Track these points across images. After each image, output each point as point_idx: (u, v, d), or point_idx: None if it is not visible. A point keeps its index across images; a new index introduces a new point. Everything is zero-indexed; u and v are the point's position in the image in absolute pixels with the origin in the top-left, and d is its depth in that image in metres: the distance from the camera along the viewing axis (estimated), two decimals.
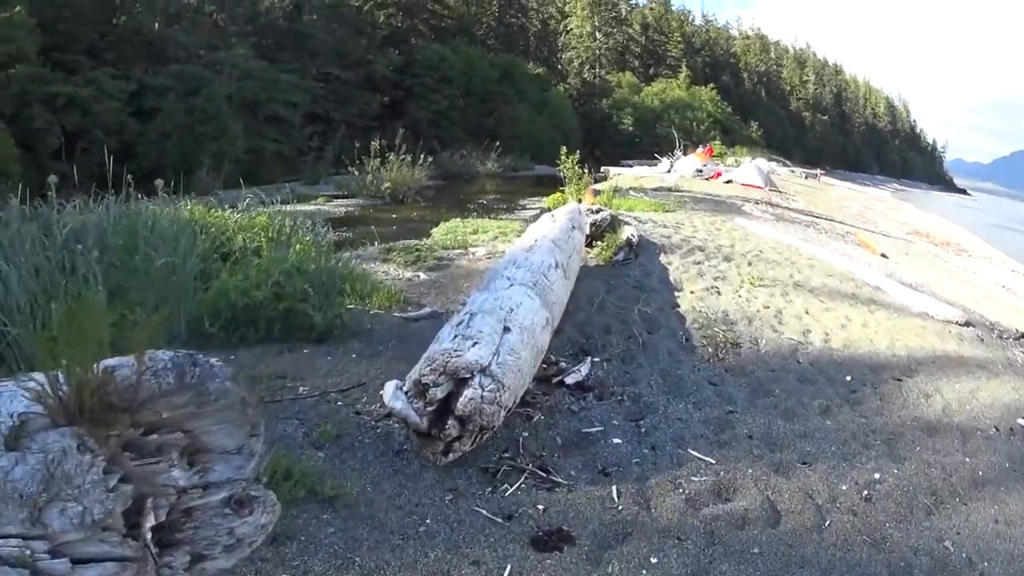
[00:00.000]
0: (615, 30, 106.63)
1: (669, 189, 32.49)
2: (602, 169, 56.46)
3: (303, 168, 47.45)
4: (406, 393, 5.61)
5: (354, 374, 7.67)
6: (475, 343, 5.86)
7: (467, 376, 5.61)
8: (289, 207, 32.15)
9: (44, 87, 37.28)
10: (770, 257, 15.76)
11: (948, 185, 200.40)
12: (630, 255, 14.16)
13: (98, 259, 8.59)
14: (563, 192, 22.07)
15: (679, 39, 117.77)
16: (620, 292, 11.77)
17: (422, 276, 13.00)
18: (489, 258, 14.28)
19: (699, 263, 14.47)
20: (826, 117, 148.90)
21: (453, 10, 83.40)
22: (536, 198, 39.65)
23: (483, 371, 5.66)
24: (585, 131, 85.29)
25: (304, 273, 9.32)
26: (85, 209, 11.92)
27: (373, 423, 6.50)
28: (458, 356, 5.64)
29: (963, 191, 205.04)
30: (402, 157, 36.38)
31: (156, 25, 47.40)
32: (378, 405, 6.68)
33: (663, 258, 14.60)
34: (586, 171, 21.63)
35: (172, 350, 4.05)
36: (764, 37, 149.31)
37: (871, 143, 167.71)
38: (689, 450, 6.63)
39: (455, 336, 6.08)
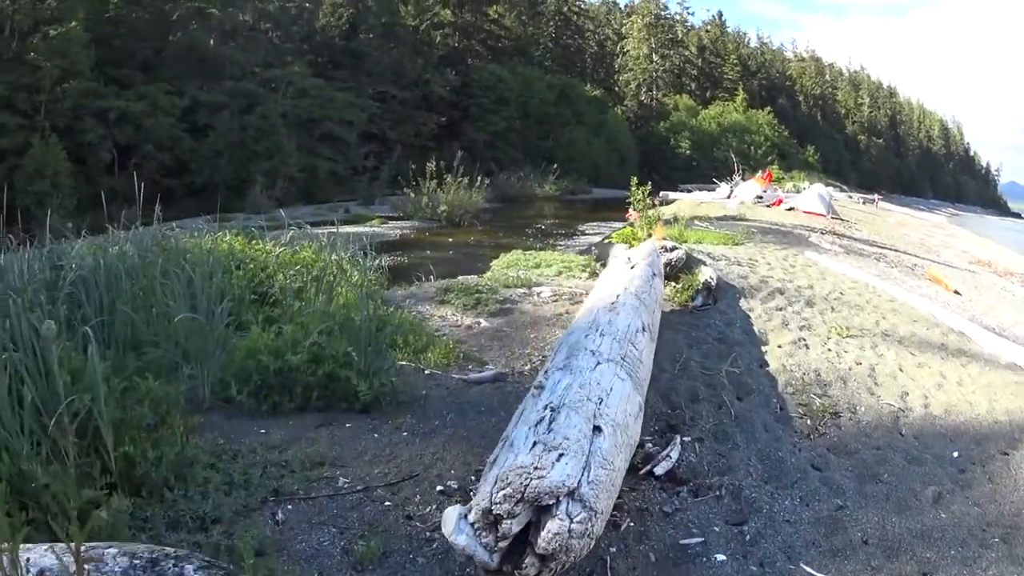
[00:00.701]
0: (671, 52, 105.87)
1: (733, 218, 31.14)
2: (660, 194, 55.41)
3: (358, 187, 46.70)
4: (472, 524, 4.19)
5: (405, 460, 6.28)
6: (560, 455, 4.35)
7: (551, 503, 4.21)
8: (342, 229, 31.90)
9: (97, 101, 37.07)
10: (851, 300, 14.29)
11: (1003, 209, 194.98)
12: (708, 300, 12.71)
13: (111, 308, 7.71)
14: (632, 226, 20.53)
15: (735, 61, 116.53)
16: (703, 347, 10.18)
17: (483, 323, 11.30)
18: (555, 300, 12.81)
19: (781, 309, 12.82)
20: (881, 140, 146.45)
21: (510, 31, 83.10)
22: (595, 223, 38.61)
23: (571, 495, 4.19)
24: (642, 154, 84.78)
25: (348, 330, 7.89)
26: (110, 240, 10.43)
27: (428, 533, 5.13)
28: (540, 477, 4.10)
29: (1018, 215, 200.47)
30: (459, 179, 35.28)
31: (211, 42, 46.81)
32: (433, 508, 5.41)
33: (743, 303, 13.05)
34: (653, 200, 19.86)
35: (136, 548, 2.87)
36: (819, 59, 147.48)
37: (925, 166, 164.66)
38: (802, 564, 5.39)
39: (533, 444, 4.47)
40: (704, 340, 10.53)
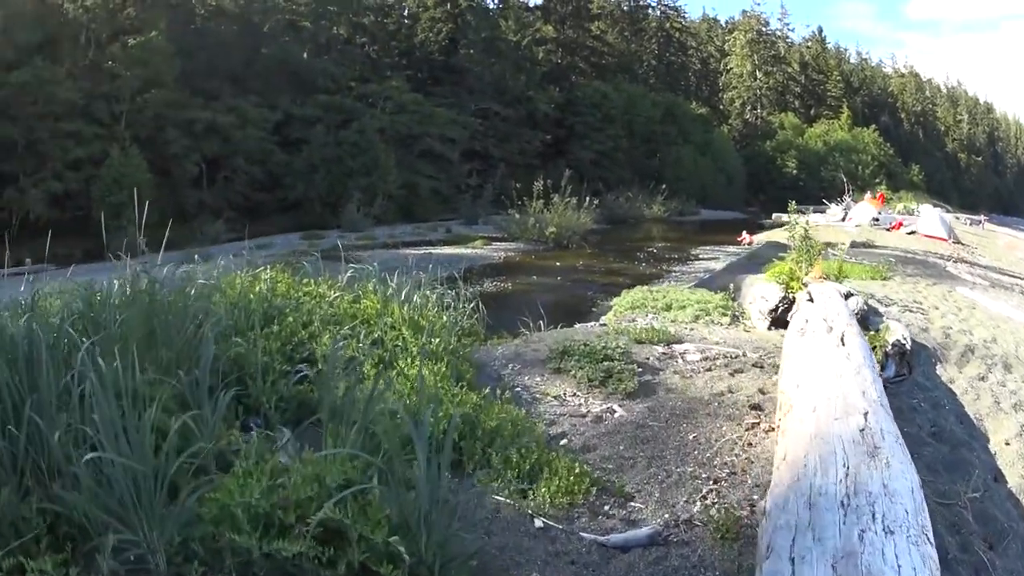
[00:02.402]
0: (775, 69, 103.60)
1: (861, 244, 29.41)
2: (773, 216, 53.46)
3: (461, 206, 45.56)
4: None
5: None
6: None
7: None
8: (443, 250, 30.18)
9: (181, 112, 36.29)
10: None
11: None
12: (903, 369, 9.94)
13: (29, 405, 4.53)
14: (785, 260, 17.96)
15: (838, 77, 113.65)
16: (923, 451, 7.56)
17: (617, 411, 7.71)
18: (708, 368, 9.31)
19: (983, 378, 10.61)
20: (980, 158, 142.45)
21: (613, 47, 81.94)
22: (707, 246, 37.13)
23: None
24: (748, 174, 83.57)
25: (403, 465, 4.54)
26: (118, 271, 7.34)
27: None
28: None
29: None
30: (567, 200, 33.29)
31: (304, 55, 45.74)
32: None
33: (940, 371, 10.70)
34: (807, 235, 16.52)
35: None
36: (917, 75, 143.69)
37: (1023, 184, 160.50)
38: None
39: None
40: (918, 438, 8.09)
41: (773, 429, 7.17)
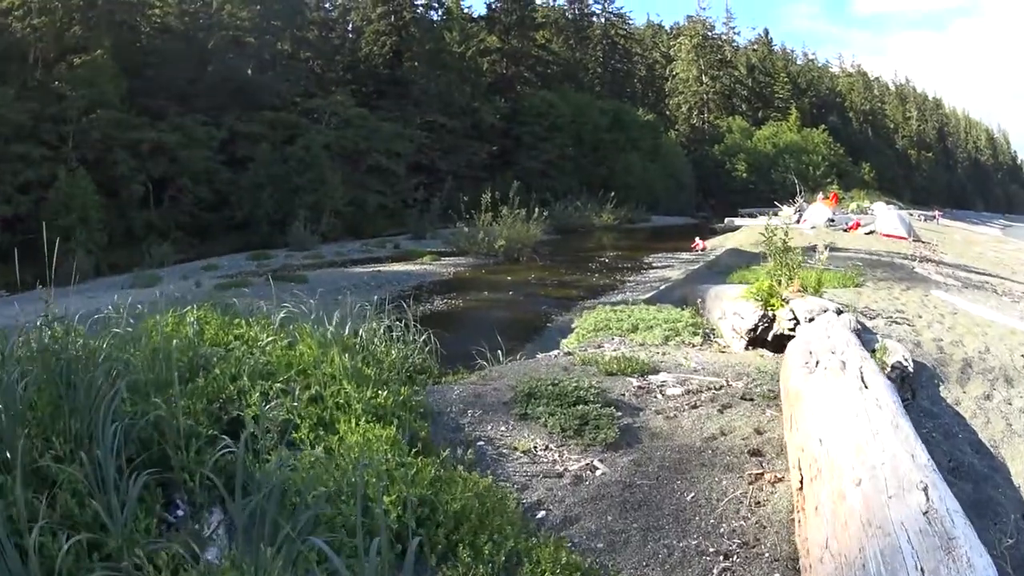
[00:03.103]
0: (721, 73, 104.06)
1: (824, 247, 29.10)
2: (725, 220, 53.55)
3: (408, 221, 44.88)
4: None
5: None
6: None
7: None
8: (391, 267, 29.86)
9: (128, 132, 35.82)
10: None
11: None
12: (906, 393, 8.95)
13: None
14: (757, 272, 17.47)
15: (785, 79, 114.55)
16: None
17: (599, 467, 6.83)
18: (693, 404, 8.36)
19: (988, 397, 10.01)
20: (931, 154, 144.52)
21: (559, 56, 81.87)
22: (661, 254, 36.92)
23: None
24: (698, 179, 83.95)
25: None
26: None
27: None
28: None
29: None
30: (516, 211, 33.10)
31: (249, 71, 45.34)
32: None
33: (944, 393, 9.97)
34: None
35: None
36: (865, 74, 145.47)
37: (975, 178, 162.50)
38: None
39: None
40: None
41: (780, 480, 6.59)
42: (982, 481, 7.45)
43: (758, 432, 7.52)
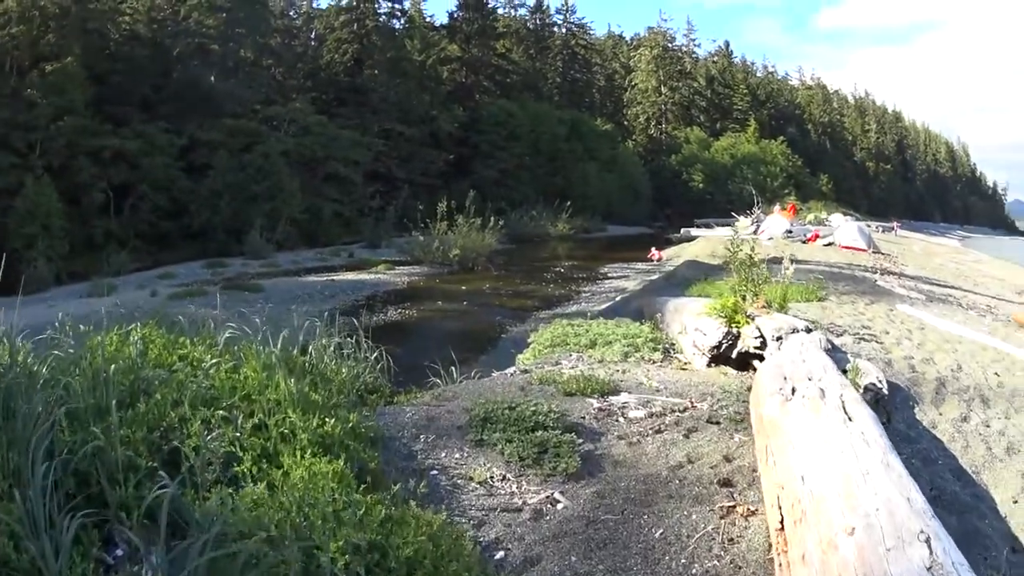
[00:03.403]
0: (680, 84, 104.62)
1: (778, 259, 29.07)
2: (682, 230, 53.81)
3: (364, 229, 44.92)
4: None
5: None
6: None
7: None
8: (345, 276, 29.96)
9: (91, 139, 35.68)
10: (1014, 384, 11.53)
11: (1010, 228, 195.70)
12: (881, 417, 7.94)
13: None
14: (718, 286, 17.42)
15: (744, 91, 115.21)
16: None
17: (560, 500, 6.40)
18: (656, 428, 8.05)
19: (965, 419, 9.80)
20: (889, 166, 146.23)
21: (519, 65, 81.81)
22: (616, 264, 37.15)
23: None
24: (655, 189, 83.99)
25: None
26: None
27: None
28: None
29: None
30: (471, 220, 33.28)
31: (212, 78, 45.28)
32: None
33: (920, 416, 9.75)
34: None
35: None
36: (824, 87, 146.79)
37: (933, 190, 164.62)
38: None
39: None
40: None
41: (753, 513, 6.21)
42: (967, 511, 7.27)
43: (727, 459, 7.25)
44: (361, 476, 5.70)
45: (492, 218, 35.52)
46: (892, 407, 9.38)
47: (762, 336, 10.29)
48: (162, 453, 5.39)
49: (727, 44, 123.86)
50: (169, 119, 41.06)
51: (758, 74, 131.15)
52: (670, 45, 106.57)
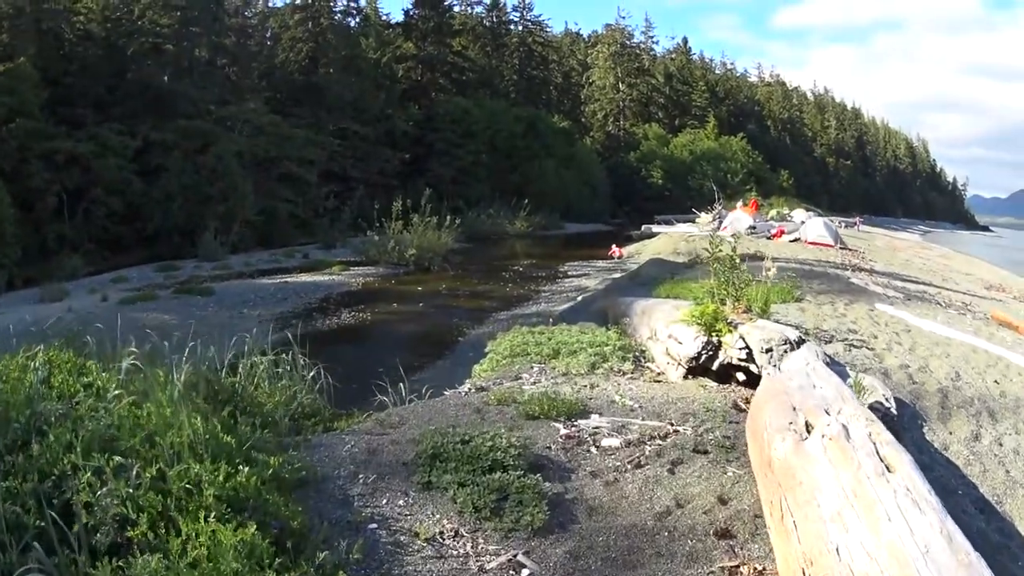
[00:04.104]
0: (638, 80, 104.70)
1: (751, 257, 28.40)
2: (643, 227, 53.66)
3: (319, 230, 44.48)
4: None
5: None
6: None
7: None
8: (299, 278, 29.54)
9: (44, 143, 34.88)
10: (1019, 395, 11.11)
11: (970, 223, 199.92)
12: None
13: None
14: (689, 285, 16.93)
15: (703, 88, 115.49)
16: None
17: (526, 566, 5.30)
18: (635, 461, 6.87)
19: (976, 437, 9.18)
20: (849, 162, 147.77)
21: (475, 63, 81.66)
22: (576, 262, 37.04)
23: None
24: (613, 186, 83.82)
25: None
26: None
27: None
28: None
29: (985, 228, 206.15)
30: (427, 219, 32.92)
31: (166, 78, 44.71)
32: None
33: (930, 436, 9.04)
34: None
35: None
36: (784, 83, 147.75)
37: (893, 185, 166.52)
38: None
39: None
40: None
41: (761, 574, 5.27)
42: (997, 552, 6.50)
43: (722, 501, 6.21)
44: (281, 539, 4.68)
45: (448, 217, 35.24)
46: (900, 427, 8.15)
47: (748, 347, 9.29)
48: (55, 507, 4.45)
49: (685, 41, 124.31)
50: (123, 120, 40.40)
51: (717, 71, 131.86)
52: (628, 42, 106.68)
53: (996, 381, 11.53)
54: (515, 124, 71.20)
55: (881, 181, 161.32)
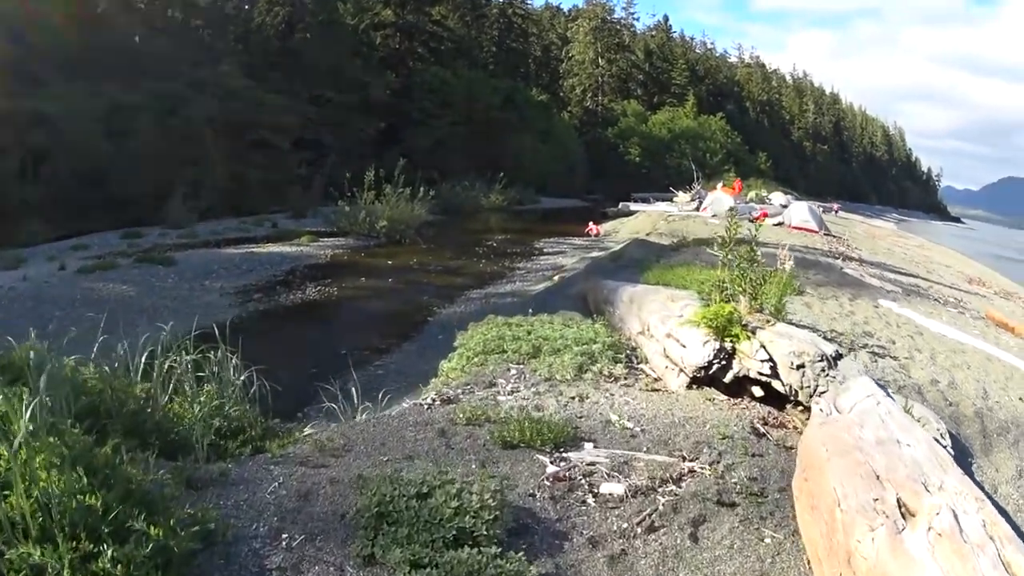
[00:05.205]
0: (618, 56, 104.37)
1: (789, 252, 27.66)
2: (620, 204, 53.29)
3: (290, 197, 43.43)
4: None
5: None
6: None
7: None
8: (266, 248, 28.84)
9: (5, 100, 33.45)
10: None
11: (942, 214, 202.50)
12: None
13: None
14: (679, 271, 16.07)
15: (683, 66, 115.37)
16: None
17: None
18: (650, 523, 5.43)
19: (1021, 474, 7.87)
20: (826, 147, 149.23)
21: (454, 32, 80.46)
22: (552, 239, 36.65)
23: None
24: (590, 162, 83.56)
25: None
26: None
27: None
28: None
29: (957, 219, 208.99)
30: (400, 190, 32.26)
31: (137, 39, 43.71)
32: None
33: (979, 475, 7.59)
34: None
35: None
36: (764, 65, 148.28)
37: (869, 173, 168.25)
38: None
39: None
40: None
41: None
42: None
43: None
44: None
45: (423, 188, 34.65)
46: None
47: (771, 360, 7.88)
48: None
49: (666, 18, 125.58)
50: (90, 80, 39.09)
51: (697, 50, 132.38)
52: (609, 17, 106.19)
53: (1021, 399, 10.56)
54: (493, 96, 70.52)
55: (857, 168, 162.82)
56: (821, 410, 6.87)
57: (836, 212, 66.45)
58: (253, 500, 5.10)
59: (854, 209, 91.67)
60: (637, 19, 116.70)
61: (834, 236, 35.40)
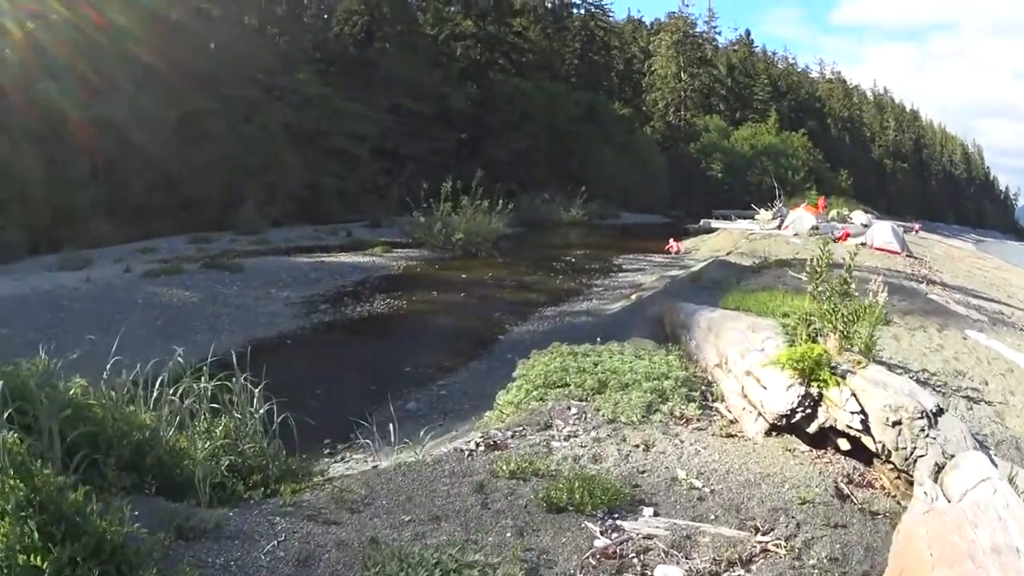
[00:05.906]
0: (700, 71, 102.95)
1: (883, 282, 26.11)
2: (701, 222, 52.06)
3: (366, 207, 42.93)
4: None
5: None
6: None
7: None
8: (339, 257, 28.07)
9: (78, 106, 33.16)
10: None
11: (1020, 234, 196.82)
12: None
13: None
14: (762, 297, 14.66)
15: (766, 81, 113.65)
16: None
17: None
18: None
19: None
20: (906, 165, 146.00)
21: (535, 44, 79.98)
22: (631, 255, 35.34)
23: None
24: (672, 177, 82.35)
25: None
26: None
27: None
28: None
29: None
30: (478, 202, 31.34)
31: (212, 45, 43.34)
32: None
33: None
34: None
35: None
36: (845, 81, 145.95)
37: (948, 191, 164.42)
38: None
39: None
40: None
41: None
42: None
43: None
44: None
45: (501, 200, 33.77)
46: None
47: (863, 412, 6.69)
48: None
49: (748, 33, 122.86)
50: (165, 87, 38.80)
51: (779, 65, 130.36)
52: (691, 31, 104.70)
53: None
54: (575, 108, 69.79)
55: (936, 186, 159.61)
56: (925, 493, 5.49)
57: (917, 232, 64.45)
58: (245, 562, 4.42)
59: (932, 228, 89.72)
60: (719, 33, 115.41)
61: (916, 258, 33.65)
